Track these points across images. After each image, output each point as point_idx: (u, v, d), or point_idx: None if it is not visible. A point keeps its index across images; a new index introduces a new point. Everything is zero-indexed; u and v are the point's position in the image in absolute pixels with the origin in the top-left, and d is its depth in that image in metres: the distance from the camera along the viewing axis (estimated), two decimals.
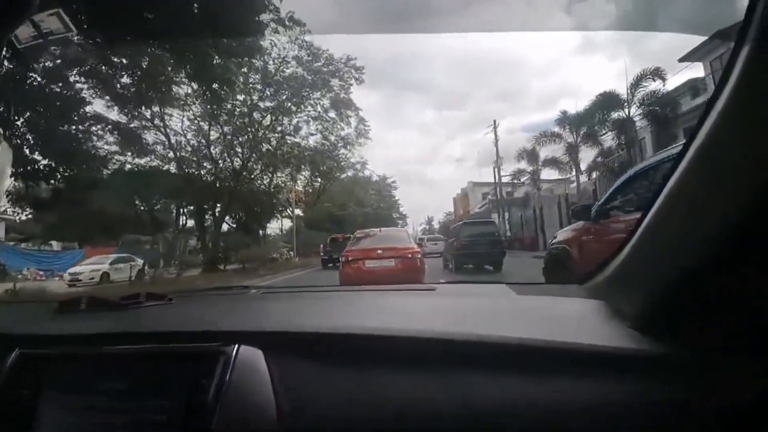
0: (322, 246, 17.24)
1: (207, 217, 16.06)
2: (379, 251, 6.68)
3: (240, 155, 16.71)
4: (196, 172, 15.96)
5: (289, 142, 17.82)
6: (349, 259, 6.71)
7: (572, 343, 0.69)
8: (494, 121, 30.54)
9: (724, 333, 0.62)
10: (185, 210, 17.78)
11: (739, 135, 0.51)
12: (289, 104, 16.80)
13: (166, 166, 16.01)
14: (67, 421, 0.74)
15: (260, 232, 19.87)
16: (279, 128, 17.73)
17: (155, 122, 15.05)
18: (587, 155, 20.79)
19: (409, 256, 6.61)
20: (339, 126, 18.26)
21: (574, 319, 0.85)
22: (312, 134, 18.30)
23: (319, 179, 23.44)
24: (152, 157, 16.01)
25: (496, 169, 30.34)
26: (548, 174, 25.26)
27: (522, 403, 0.65)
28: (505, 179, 29.57)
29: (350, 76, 16.05)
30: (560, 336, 0.72)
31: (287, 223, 25.95)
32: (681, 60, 15.84)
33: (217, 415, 0.68)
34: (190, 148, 16.20)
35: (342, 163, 28.34)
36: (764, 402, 0.60)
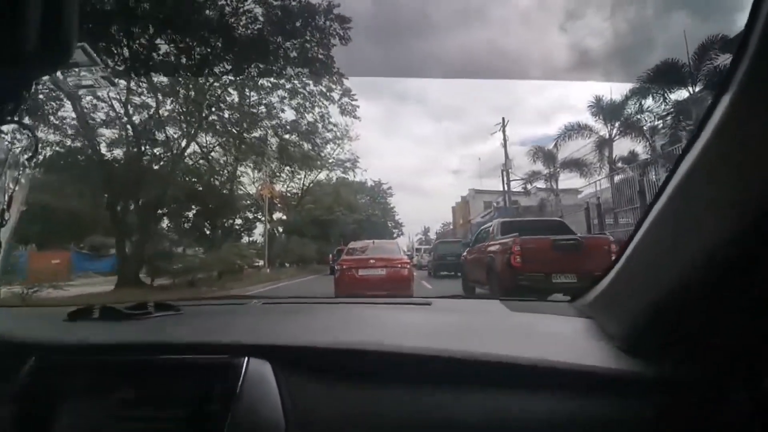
0: (330, 255, 18.12)
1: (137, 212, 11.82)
2: (372, 261, 7.17)
3: (185, 131, 12.61)
4: (115, 153, 11.95)
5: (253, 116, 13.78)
6: (344, 267, 7.20)
7: (562, 362, 0.71)
8: (503, 119, 26.83)
9: (711, 354, 0.63)
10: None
11: (728, 159, 0.50)
12: (254, 72, 12.86)
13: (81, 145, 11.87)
14: (80, 428, 0.76)
15: (215, 235, 15.70)
16: (245, 103, 13.78)
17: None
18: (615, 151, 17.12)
19: (399, 266, 7.12)
20: (318, 101, 14.20)
21: (564, 338, 0.87)
22: (283, 111, 14.25)
23: (290, 167, 19.26)
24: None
25: (504, 173, 26.66)
26: (565, 179, 21.67)
27: (514, 419, 0.68)
28: (510, 186, 25.98)
29: (333, 31, 11.83)
30: (550, 354, 0.74)
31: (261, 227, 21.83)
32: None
33: (228, 424, 0.69)
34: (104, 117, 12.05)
35: (329, 159, 24.57)
36: (752, 423, 0.62)
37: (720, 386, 0.63)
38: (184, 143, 12.73)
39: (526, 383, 0.70)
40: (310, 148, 16.40)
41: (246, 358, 0.77)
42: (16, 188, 0.61)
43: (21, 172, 0.63)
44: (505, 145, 26.45)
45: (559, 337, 0.88)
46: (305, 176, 24.87)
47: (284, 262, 23.27)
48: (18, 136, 0.63)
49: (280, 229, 25.30)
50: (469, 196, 45.30)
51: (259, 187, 18.77)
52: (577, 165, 20.50)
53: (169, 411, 0.75)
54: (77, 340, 0.90)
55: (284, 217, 25.72)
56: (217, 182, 15.16)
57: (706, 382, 0.63)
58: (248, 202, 20.40)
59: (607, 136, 17.16)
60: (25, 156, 0.64)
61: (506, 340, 0.87)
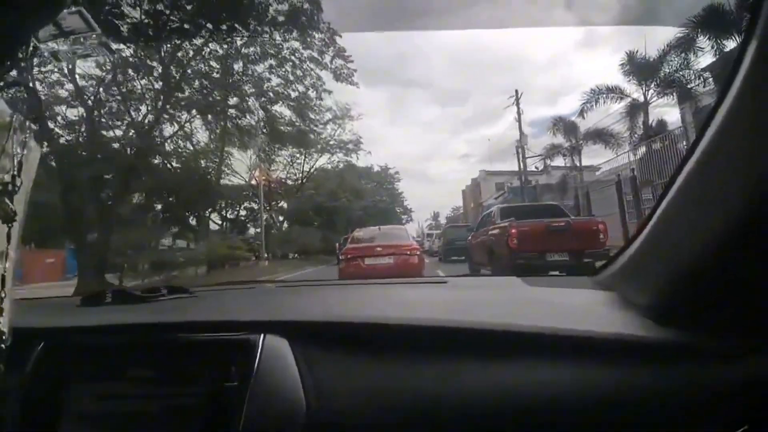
0: (337, 245, 16.82)
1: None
2: (378, 249, 6.68)
3: (154, 106, 10.83)
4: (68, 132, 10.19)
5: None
6: (349, 257, 6.74)
7: (589, 331, 0.69)
8: (516, 91, 24.71)
9: (744, 321, 0.61)
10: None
11: (751, 125, 0.50)
12: (236, 36, 11.06)
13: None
14: (95, 411, 0.74)
15: (202, 226, 14.06)
16: (227, 71, 11.98)
17: None
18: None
19: (408, 252, 6.66)
20: (309, 70, 12.30)
21: (587, 309, 0.85)
22: (269, 80, 12.36)
23: (284, 148, 17.52)
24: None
25: (519, 150, 24.69)
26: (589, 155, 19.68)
27: (542, 389, 0.66)
28: (526, 163, 24.01)
29: None
30: (575, 324, 0.72)
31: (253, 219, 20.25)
32: None
33: (246, 402, 0.68)
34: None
35: (330, 141, 22.92)
36: None
37: (754, 354, 0.61)
38: (157, 121, 11.01)
39: (553, 353, 0.68)
40: (303, 123, 14.58)
41: (262, 335, 0.75)
42: (25, 152, 0.57)
43: (28, 135, 0.58)
44: (519, 120, 24.41)
45: (582, 308, 0.85)
46: (305, 160, 23.24)
47: (287, 253, 21.76)
48: (18, 96, 0.58)
49: (282, 218, 23.75)
50: (480, 178, 43.41)
51: (253, 172, 17.15)
52: (601, 136, 18.51)
53: (186, 390, 0.74)
54: (87, 323, 0.87)
55: (285, 205, 24.15)
56: (200, 166, 13.51)
57: (739, 350, 0.61)
58: (248, 192, 18.82)
59: (642, 99, 15.07)
60: (30, 117, 0.58)
61: (529, 313, 0.84)
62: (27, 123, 0.57)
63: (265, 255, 16.78)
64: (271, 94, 12.43)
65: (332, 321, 0.81)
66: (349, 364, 0.73)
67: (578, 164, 20.35)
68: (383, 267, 6.38)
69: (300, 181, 23.69)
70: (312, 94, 13.35)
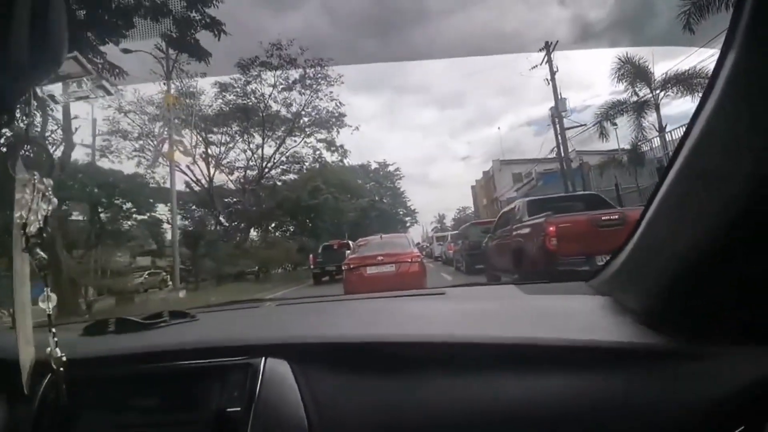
0: (311, 257, 14.71)
1: None
2: (380, 257, 6.76)
3: None
4: None
5: None
6: (351, 266, 6.89)
7: (584, 340, 0.71)
8: (547, 43, 18.23)
9: (736, 324, 0.62)
10: None
11: (734, 128, 0.51)
12: None
13: None
14: None
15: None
16: None
17: None
18: None
19: (409, 260, 6.77)
20: None
21: (583, 316, 0.85)
22: None
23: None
24: None
25: (556, 120, 18.16)
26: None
27: (540, 400, 0.66)
28: (566, 136, 17.55)
29: None
30: (571, 333, 0.73)
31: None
32: None
33: (249, 427, 0.69)
34: None
35: (303, 116, 16.62)
36: None
37: (749, 357, 0.61)
38: None
39: (550, 364, 0.69)
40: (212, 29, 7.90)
41: (263, 359, 0.77)
42: (49, 207, 0.61)
43: (48, 190, 0.62)
44: (553, 79, 17.90)
45: (578, 316, 0.86)
46: (264, 138, 16.86)
47: (243, 270, 15.33)
48: (32, 152, 0.63)
49: (235, 223, 17.23)
50: (494, 169, 37.35)
51: (160, 147, 10.82)
52: (691, 81, 12.22)
53: (190, 417, 0.75)
54: (93, 353, 0.88)
55: (233, 202, 17.66)
56: None
57: (735, 353, 0.62)
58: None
59: None
60: (45, 172, 0.63)
61: (525, 323, 0.85)
62: (44, 179, 0.60)
63: (177, 280, 10.29)
64: None
65: (331, 342, 0.81)
66: (350, 384, 0.73)
67: (658, 124, 13.82)
68: (385, 275, 6.46)
69: (260, 170, 17.25)
70: None
